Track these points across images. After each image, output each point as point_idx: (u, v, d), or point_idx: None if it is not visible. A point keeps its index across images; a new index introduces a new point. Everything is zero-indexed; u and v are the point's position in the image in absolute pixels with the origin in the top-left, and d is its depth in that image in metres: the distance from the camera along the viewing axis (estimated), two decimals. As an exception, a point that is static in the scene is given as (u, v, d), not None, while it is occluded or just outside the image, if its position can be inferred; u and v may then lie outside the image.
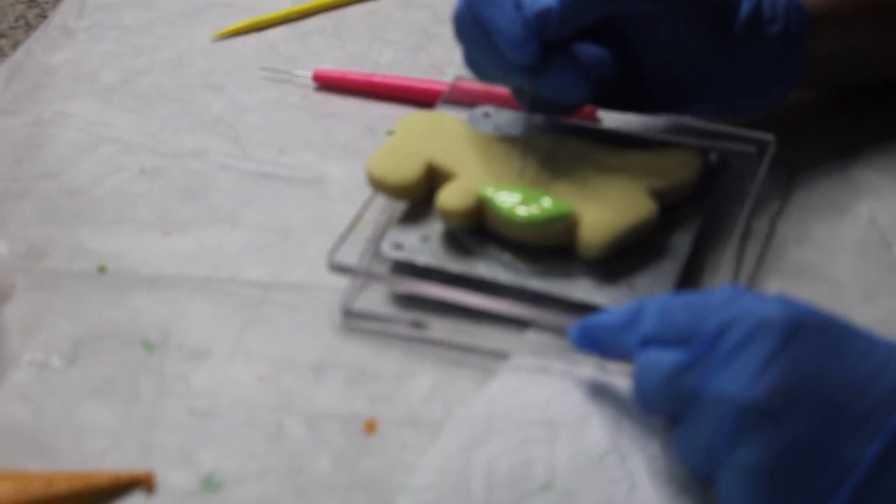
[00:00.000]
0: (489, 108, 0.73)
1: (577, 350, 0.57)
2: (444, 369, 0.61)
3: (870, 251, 0.67)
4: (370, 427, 0.58)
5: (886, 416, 0.48)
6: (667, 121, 0.73)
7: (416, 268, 0.64)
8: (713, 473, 0.51)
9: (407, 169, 0.66)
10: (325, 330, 0.63)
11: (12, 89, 0.83)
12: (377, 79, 0.82)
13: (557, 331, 0.60)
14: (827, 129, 0.75)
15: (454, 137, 0.68)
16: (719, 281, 0.64)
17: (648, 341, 0.53)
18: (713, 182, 0.68)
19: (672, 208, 0.66)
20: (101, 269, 0.68)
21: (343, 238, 0.65)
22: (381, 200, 0.67)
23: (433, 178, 0.66)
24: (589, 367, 0.60)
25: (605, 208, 0.63)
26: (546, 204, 0.63)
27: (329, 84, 0.82)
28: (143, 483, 0.55)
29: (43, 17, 0.94)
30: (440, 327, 0.62)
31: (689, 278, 0.64)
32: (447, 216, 0.64)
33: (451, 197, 0.64)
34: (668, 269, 0.63)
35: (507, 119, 0.72)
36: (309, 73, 0.83)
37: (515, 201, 0.63)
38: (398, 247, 0.65)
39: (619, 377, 0.59)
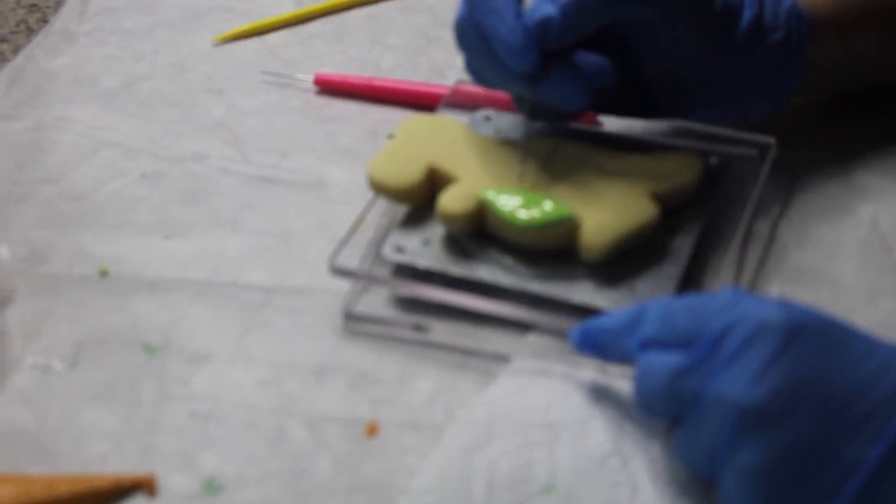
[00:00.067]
0: (490, 112, 0.73)
1: (578, 353, 0.57)
2: (445, 372, 0.61)
3: (871, 254, 0.67)
4: (371, 430, 0.58)
5: (887, 418, 0.48)
6: (668, 124, 0.73)
7: (418, 271, 0.64)
8: (714, 476, 0.51)
9: (408, 172, 0.66)
10: (326, 333, 0.63)
11: (13, 94, 0.83)
12: (378, 83, 0.82)
13: (558, 334, 0.60)
14: (828, 132, 0.75)
15: (455, 141, 0.68)
16: (720, 284, 0.64)
17: (649, 344, 0.53)
18: (714, 185, 0.68)
19: (673, 211, 0.66)
20: (103, 273, 0.68)
21: (344, 241, 0.65)
22: (382, 204, 0.67)
23: (434, 182, 0.66)
24: (590, 370, 0.60)
25: (606, 211, 0.63)
26: (547, 207, 0.63)
27: (330, 88, 0.83)
28: (144, 486, 0.55)
29: (44, 21, 0.94)
30: (441, 330, 0.62)
31: (691, 281, 0.64)
32: (448, 219, 0.64)
33: (452, 200, 0.64)
34: (670, 272, 0.63)
35: (508, 123, 0.72)
36: (310, 77, 0.83)
37: (516, 204, 0.63)
38: (399, 250, 0.65)
39: (621, 380, 0.59)
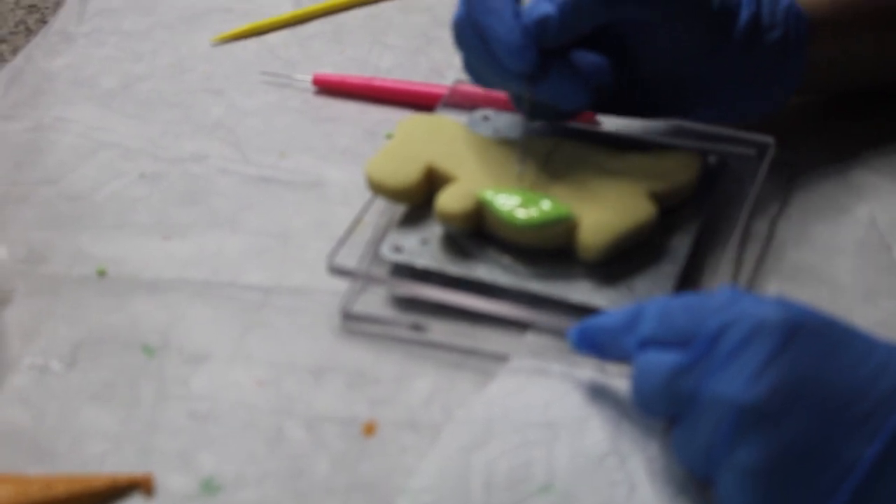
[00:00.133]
0: (488, 112, 0.73)
1: (576, 352, 0.57)
2: (443, 372, 0.61)
3: (869, 253, 0.67)
4: (370, 430, 0.58)
5: (885, 417, 0.48)
6: (666, 123, 0.73)
7: (416, 270, 0.64)
8: (712, 474, 0.51)
9: (406, 172, 0.66)
10: (324, 333, 0.63)
11: (12, 94, 0.83)
12: (377, 83, 0.82)
13: (557, 333, 0.60)
14: (826, 132, 0.75)
15: (453, 141, 0.68)
16: (719, 283, 0.64)
17: (647, 343, 0.53)
18: (712, 184, 0.68)
19: (671, 211, 0.66)
20: (101, 274, 0.68)
21: (343, 241, 0.65)
22: (380, 203, 0.67)
23: (432, 182, 0.67)
24: (588, 369, 0.60)
25: (604, 211, 0.63)
26: (545, 206, 0.63)
27: (329, 88, 0.83)
28: (142, 486, 0.55)
29: (43, 22, 0.94)
30: (440, 330, 0.62)
31: (689, 280, 0.64)
32: (446, 219, 0.64)
33: (450, 200, 0.64)
34: (668, 271, 0.63)
35: (507, 122, 0.72)
36: (309, 78, 0.83)
37: (515, 204, 0.63)
38: (397, 250, 0.65)
39: (619, 379, 0.59)
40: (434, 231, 0.66)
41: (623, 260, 0.63)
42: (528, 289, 0.63)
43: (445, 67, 0.84)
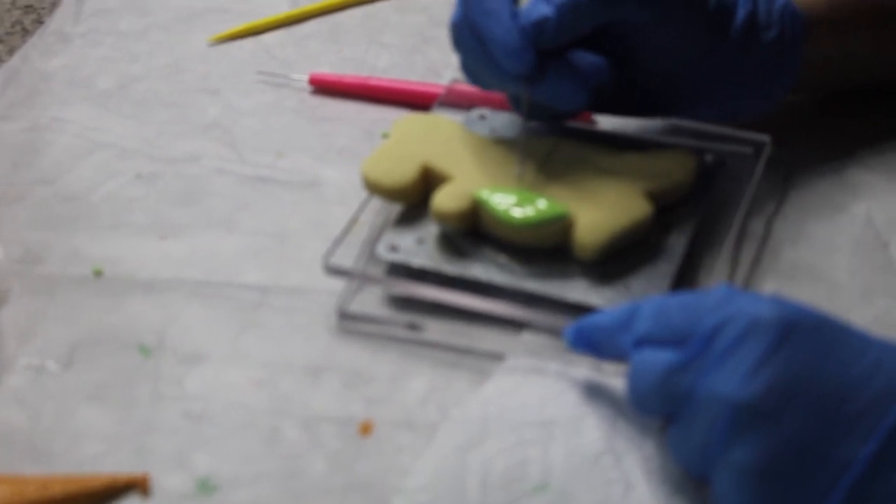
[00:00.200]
0: (485, 111, 0.73)
1: (572, 351, 0.57)
2: (439, 371, 0.61)
3: (866, 251, 0.67)
4: (366, 429, 0.58)
5: (880, 415, 0.48)
6: (663, 122, 0.73)
7: (412, 270, 0.64)
8: (708, 473, 0.51)
9: (402, 172, 0.66)
10: (321, 333, 0.63)
11: (9, 95, 0.83)
12: (373, 82, 0.82)
13: (553, 332, 0.60)
14: (822, 130, 0.75)
15: (450, 140, 0.68)
16: (715, 282, 0.64)
17: (643, 342, 0.53)
18: (709, 183, 0.68)
19: (668, 209, 0.66)
20: (97, 274, 0.68)
21: (339, 241, 0.65)
22: (376, 203, 0.67)
23: (429, 181, 0.66)
24: (584, 368, 0.60)
25: (600, 209, 0.63)
26: (541, 205, 0.63)
27: (325, 88, 0.83)
28: (138, 486, 0.55)
29: (39, 22, 0.94)
30: (436, 329, 0.62)
31: (685, 279, 0.64)
32: (442, 218, 0.64)
33: (446, 199, 0.64)
34: (664, 269, 0.63)
35: (503, 121, 0.72)
36: (305, 77, 0.83)
37: (511, 203, 0.63)
38: (394, 249, 0.65)
39: (615, 378, 0.59)
40: (430, 230, 0.66)
41: (619, 259, 0.63)
42: (524, 288, 0.63)
43: (442, 67, 0.84)
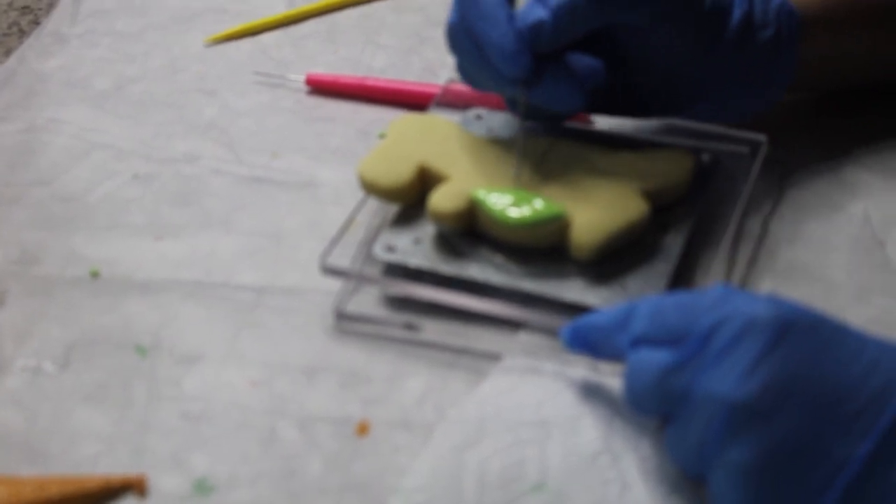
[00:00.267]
0: (481, 111, 0.73)
1: (568, 351, 0.57)
2: (436, 371, 0.61)
3: (863, 250, 0.67)
4: (363, 429, 0.58)
5: (877, 414, 0.48)
6: (659, 122, 0.73)
7: (409, 270, 0.64)
8: (704, 472, 0.51)
9: (399, 172, 0.66)
10: (317, 333, 0.63)
11: (5, 96, 0.83)
12: (370, 82, 0.82)
13: (549, 332, 0.60)
14: (819, 130, 0.75)
15: (446, 140, 0.68)
16: (712, 281, 0.64)
17: (639, 341, 0.53)
18: (705, 182, 0.68)
19: (664, 209, 0.66)
20: (94, 275, 0.68)
21: (335, 241, 0.65)
22: (373, 203, 0.67)
23: (425, 181, 0.66)
24: (581, 368, 0.60)
25: (596, 209, 0.63)
26: (538, 205, 0.63)
27: (322, 88, 0.83)
28: (135, 487, 0.55)
29: (36, 23, 0.94)
30: (432, 329, 0.62)
31: (682, 279, 0.64)
32: (439, 218, 0.64)
33: (442, 199, 0.64)
34: (661, 269, 0.63)
35: (500, 121, 0.72)
36: (302, 78, 0.83)
37: (507, 203, 0.63)
38: (390, 249, 0.65)
39: (611, 378, 0.59)
40: (427, 230, 0.66)
41: (616, 258, 0.63)
42: (520, 288, 0.63)
43: (438, 67, 0.84)
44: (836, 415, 0.49)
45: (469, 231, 0.65)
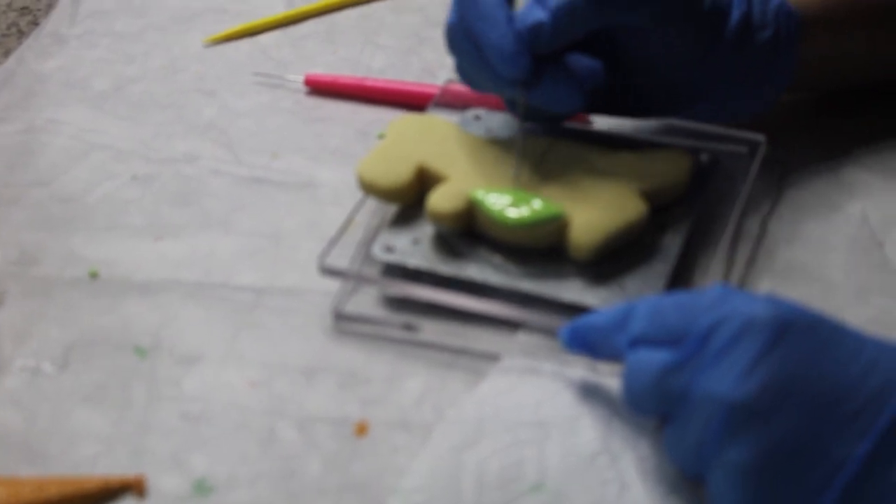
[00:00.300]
0: (480, 111, 0.73)
1: (567, 351, 0.57)
2: (435, 371, 0.61)
3: (861, 250, 0.67)
4: (361, 430, 0.58)
5: (875, 414, 0.48)
6: (658, 122, 0.73)
7: (408, 270, 0.64)
8: (703, 472, 0.51)
9: (397, 172, 0.66)
10: (316, 333, 0.63)
11: (4, 97, 0.83)
12: (369, 83, 0.82)
13: (548, 332, 0.60)
14: (818, 130, 0.75)
15: (445, 140, 0.68)
16: (710, 281, 0.64)
17: (638, 342, 0.53)
18: (704, 183, 0.68)
19: (663, 209, 0.66)
20: (93, 276, 0.68)
21: (334, 241, 0.65)
22: (372, 204, 0.67)
23: (424, 181, 0.66)
24: (580, 368, 0.60)
25: (595, 210, 0.63)
26: (536, 206, 0.63)
27: (321, 88, 0.83)
28: (134, 488, 0.55)
29: (35, 24, 0.94)
30: (431, 329, 0.62)
31: (681, 279, 0.64)
32: (437, 219, 0.64)
33: (441, 199, 0.64)
34: (659, 269, 0.63)
35: (499, 122, 0.72)
36: (301, 78, 0.83)
37: (506, 203, 0.63)
38: (389, 249, 0.65)
39: (610, 378, 0.59)
40: (425, 231, 0.66)
41: (614, 259, 0.63)
42: (519, 288, 0.63)
43: (437, 67, 0.84)
44: (834, 415, 0.49)
45: (468, 231, 0.65)
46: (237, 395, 0.60)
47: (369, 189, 0.66)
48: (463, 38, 0.65)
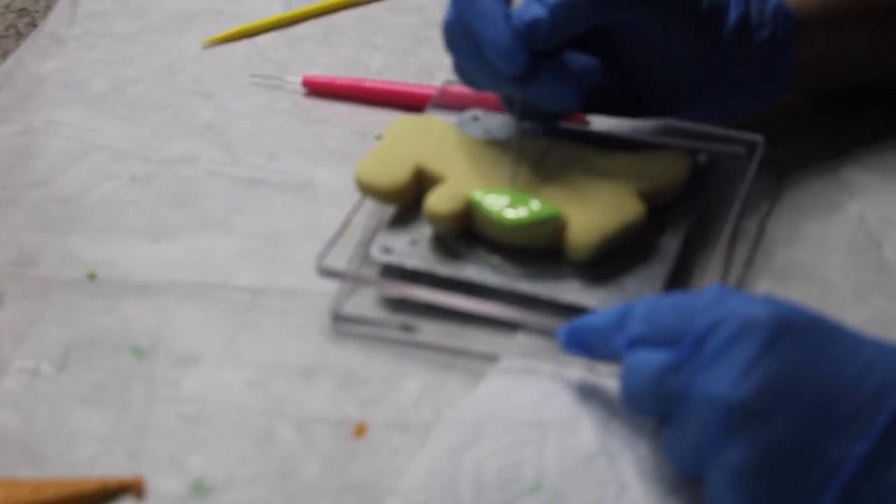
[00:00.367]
0: (478, 112, 0.73)
1: (565, 352, 0.57)
2: (433, 372, 0.61)
3: (859, 251, 0.67)
4: (360, 431, 0.58)
5: (873, 415, 0.48)
6: (656, 122, 0.73)
7: (406, 271, 0.64)
8: (701, 473, 0.51)
9: (395, 173, 0.66)
10: (314, 334, 0.63)
11: (2, 98, 0.83)
12: (367, 84, 0.82)
13: (546, 333, 0.60)
14: (816, 130, 0.75)
15: (443, 141, 0.68)
16: (708, 282, 0.64)
17: (636, 342, 0.53)
18: (702, 183, 0.68)
19: (661, 210, 0.66)
20: (92, 277, 0.68)
21: (332, 243, 0.65)
22: (370, 205, 0.67)
23: (422, 182, 0.66)
24: (578, 369, 0.60)
25: (593, 210, 0.63)
26: (534, 206, 0.63)
27: (319, 89, 0.83)
28: (132, 489, 0.55)
29: (33, 25, 0.94)
30: (429, 330, 0.62)
31: (679, 280, 0.64)
32: (435, 219, 0.64)
33: (439, 200, 0.64)
34: (657, 270, 0.63)
35: (496, 122, 0.72)
36: (299, 79, 0.83)
37: (504, 204, 0.63)
38: (387, 251, 0.65)
39: (608, 378, 0.59)
40: (423, 232, 0.66)
41: (612, 259, 0.63)
42: (517, 289, 0.63)
43: (435, 68, 0.84)
44: (832, 415, 0.49)
45: (466, 232, 0.65)
46: (235, 396, 0.60)
47: (367, 190, 0.66)
48: (460, 35, 0.65)
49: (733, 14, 0.67)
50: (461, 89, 0.73)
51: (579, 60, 0.67)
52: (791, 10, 0.69)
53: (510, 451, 0.56)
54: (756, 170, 0.68)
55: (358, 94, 0.82)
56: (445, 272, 0.64)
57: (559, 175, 0.66)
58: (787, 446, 0.48)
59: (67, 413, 0.60)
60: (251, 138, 0.79)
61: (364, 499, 0.55)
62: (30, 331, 0.64)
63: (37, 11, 0.97)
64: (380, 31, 0.90)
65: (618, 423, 0.57)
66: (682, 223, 0.66)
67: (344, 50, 0.88)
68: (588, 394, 0.59)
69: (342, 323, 0.63)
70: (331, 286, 0.64)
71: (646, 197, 0.65)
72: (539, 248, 0.64)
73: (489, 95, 0.71)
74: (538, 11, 0.62)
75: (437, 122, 0.70)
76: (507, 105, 0.69)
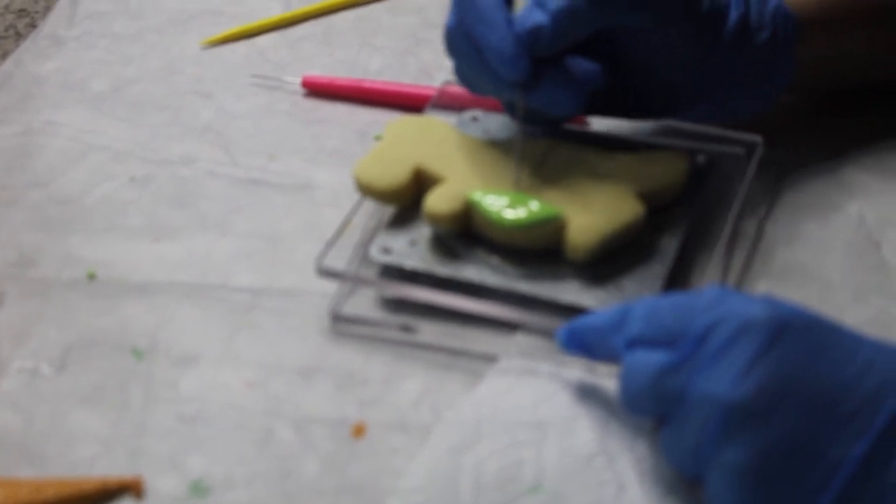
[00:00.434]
0: (478, 113, 0.73)
1: (565, 352, 0.57)
2: (432, 373, 0.61)
3: (858, 251, 0.67)
4: (359, 431, 0.58)
5: (872, 415, 0.48)
6: (655, 123, 0.73)
7: (405, 272, 0.64)
8: (700, 473, 0.51)
9: (395, 174, 0.66)
10: (313, 335, 0.63)
11: (2, 99, 0.83)
12: (366, 84, 0.82)
13: (545, 333, 0.60)
14: (815, 130, 0.75)
15: (442, 142, 0.68)
16: (707, 282, 0.64)
17: (635, 343, 0.53)
18: (701, 184, 0.68)
19: (660, 210, 0.66)
20: (91, 277, 0.68)
21: (331, 243, 0.65)
22: (369, 205, 0.67)
23: (421, 183, 0.66)
24: (577, 369, 0.60)
25: (592, 211, 0.63)
26: (533, 207, 0.63)
27: (318, 90, 0.83)
28: (131, 489, 0.55)
29: (33, 26, 0.94)
30: (429, 331, 0.62)
31: (678, 280, 0.64)
32: (435, 220, 0.64)
33: (438, 201, 0.64)
34: (656, 271, 0.63)
35: (496, 123, 0.72)
36: (298, 80, 0.83)
37: (503, 204, 0.63)
38: (386, 251, 0.65)
39: (607, 379, 0.59)
40: (423, 232, 0.66)
41: (611, 260, 0.63)
42: (516, 289, 0.63)
43: (434, 69, 0.84)
44: (831, 415, 0.49)
45: (465, 233, 0.65)
46: (234, 396, 0.60)
47: (366, 190, 0.66)
48: (462, 41, 0.65)
49: (733, 15, 0.67)
50: (460, 90, 0.73)
51: (581, 65, 0.67)
52: (791, 11, 0.69)
53: (510, 451, 0.56)
54: (755, 170, 0.68)
55: (357, 95, 0.82)
56: (445, 272, 0.64)
57: (559, 176, 0.66)
58: (787, 446, 0.48)
59: (67, 413, 0.60)
60: (251, 139, 0.79)
61: (363, 499, 0.55)
62: (29, 331, 0.64)
63: (36, 12, 0.97)
64: (379, 32, 0.90)
65: (617, 423, 0.57)
66: (682, 224, 0.66)
67: (343, 51, 0.88)
68: (587, 394, 0.59)
69: (341, 323, 0.63)
70: (330, 286, 0.64)
71: (645, 197, 0.65)
72: (538, 249, 0.64)
73: (489, 97, 0.71)
74: (540, 18, 0.62)
75: (437, 123, 0.70)
76: (509, 111, 0.69)
